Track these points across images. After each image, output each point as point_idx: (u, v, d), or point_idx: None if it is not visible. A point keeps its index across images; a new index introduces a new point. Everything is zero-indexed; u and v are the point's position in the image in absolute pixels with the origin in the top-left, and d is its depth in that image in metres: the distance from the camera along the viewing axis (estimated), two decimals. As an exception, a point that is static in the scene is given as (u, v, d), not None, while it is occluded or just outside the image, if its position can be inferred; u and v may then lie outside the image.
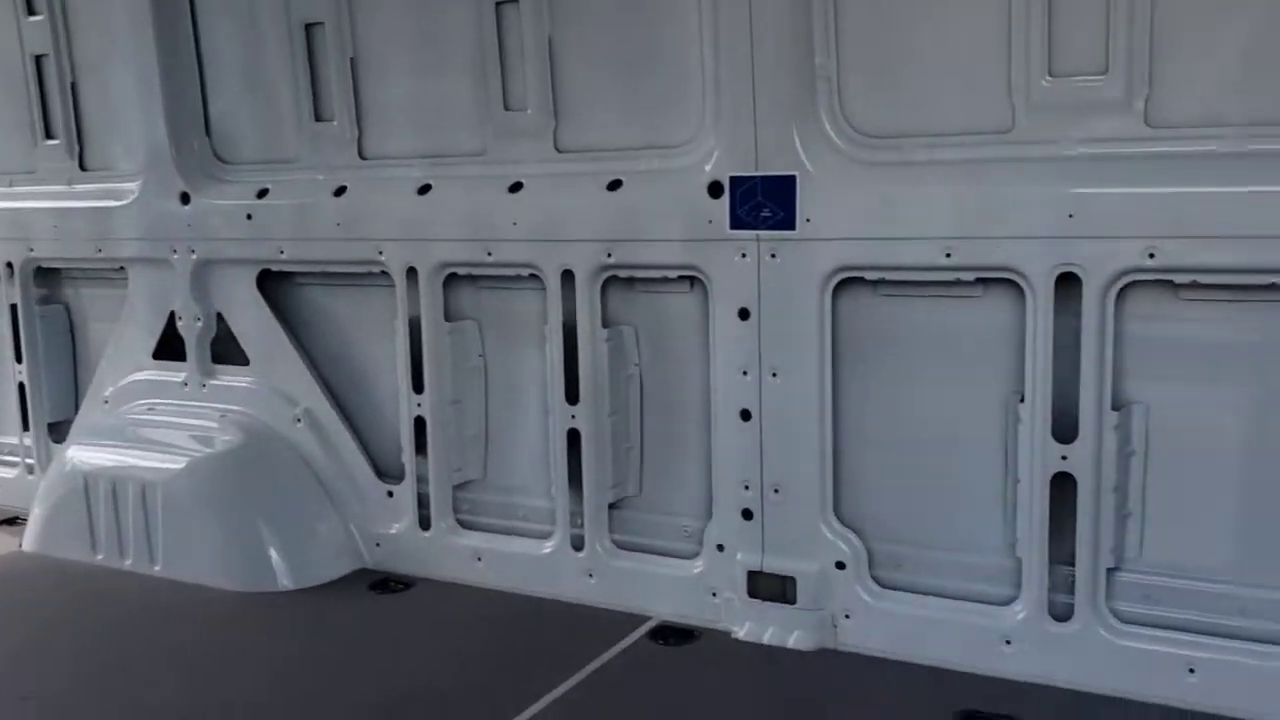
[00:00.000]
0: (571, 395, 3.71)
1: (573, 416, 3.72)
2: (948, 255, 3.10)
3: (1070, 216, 2.94)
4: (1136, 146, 2.90)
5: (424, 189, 3.88)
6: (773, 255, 3.31)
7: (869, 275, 3.24)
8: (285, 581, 3.99)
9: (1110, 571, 3.08)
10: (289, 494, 4.17)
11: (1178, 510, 3.03)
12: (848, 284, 3.28)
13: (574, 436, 3.73)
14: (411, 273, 3.92)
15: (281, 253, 4.15)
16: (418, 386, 3.97)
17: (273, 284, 4.28)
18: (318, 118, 4.09)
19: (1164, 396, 3.01)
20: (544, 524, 3.91)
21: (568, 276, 3.67)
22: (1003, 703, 3.00)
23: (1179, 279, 2.88)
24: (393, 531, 4.11)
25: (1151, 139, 2.89)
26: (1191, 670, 2.95)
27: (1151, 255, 2.86)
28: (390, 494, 4.12)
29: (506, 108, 3.74)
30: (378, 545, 4.14)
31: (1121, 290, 2.94)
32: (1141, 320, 2.98)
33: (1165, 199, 2.85)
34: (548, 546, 3.85)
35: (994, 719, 2.94)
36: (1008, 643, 3.16)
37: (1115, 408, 3.00)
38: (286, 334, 4.24)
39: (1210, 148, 2.81)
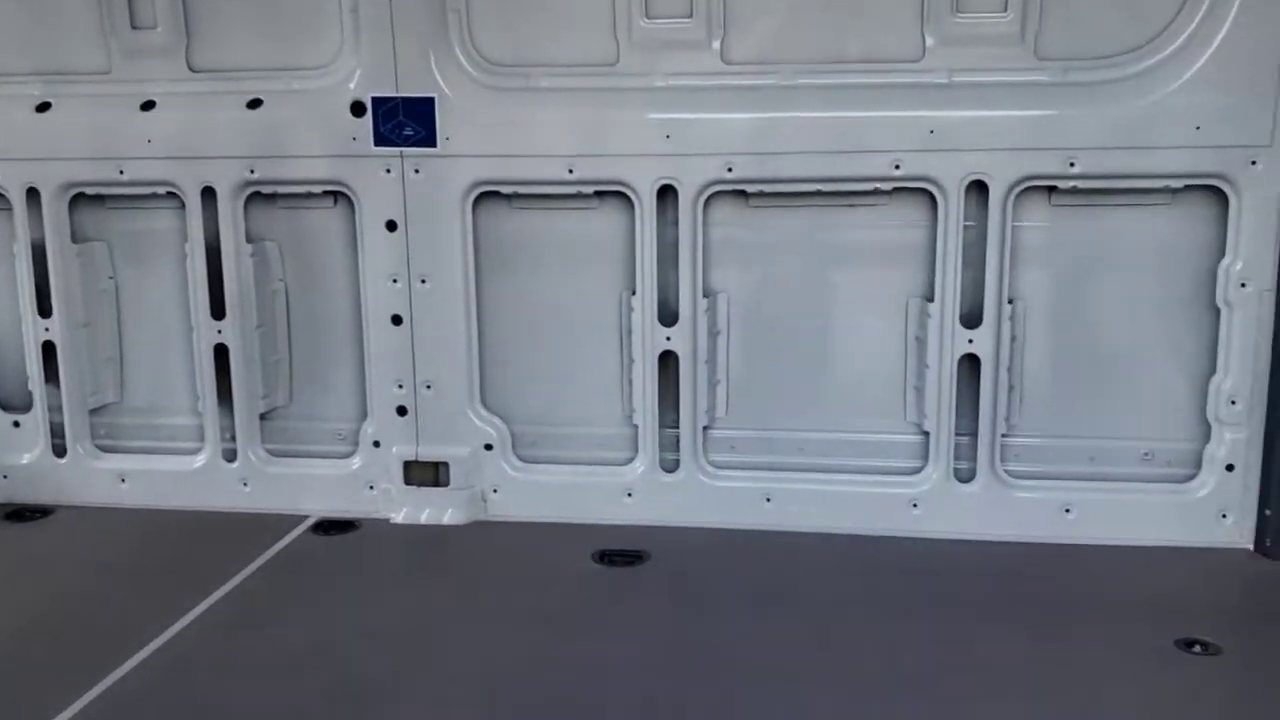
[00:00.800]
0: (217, 311, 3.83)
1: (219, 331, 3.84)
2: (570, 171, 3.61)
3: (667, 138, 3.55)
4: (716, 80, 3.55)
5: (42, 106, 3.78)
6: (416, 171, 3.65)
7: (504, 189, 3.67)
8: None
9: (705, 429, 3.79)
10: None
11: (756, 377, 3.77)
12: (485, 197, 3.69)
13: (221, 352, 3.86)
14: (33, 194, 3.80)
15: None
16: (44, 311, 3.87)
17: None
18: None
19: (741, 285, 3.73)
20: (192, 441, 4.00)
21: (209, 194, 3.76)
22: (630, 542, 3.60)
23: (750, 189, 3.59)
24: (23, 462, 3.99)
25: (726, 73, 3.54)
26: (768, 499, 3.73)
27: (730, 169, 3.55)
28: (16, 424, 3.99)
29: (134, 25, 3.73)
30: (4, 477, 4.00)
31: (708, 199, 3.61)
32: (723, 224, 3.67)
33: (739, 123, 3.54)
34: (198, 461, 3.96)
35: (625, 554, 3.53)
36: (630, 495, 3.79)
37: (705, 295, 3.68)
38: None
39: (771, 81, 3.52)
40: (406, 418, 3.83)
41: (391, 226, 3.69)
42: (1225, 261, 3.39)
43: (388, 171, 3.65)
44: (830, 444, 3.77)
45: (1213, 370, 3.49)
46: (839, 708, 2.62)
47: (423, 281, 3.72)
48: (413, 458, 3.85)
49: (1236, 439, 3.46)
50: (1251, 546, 3.48)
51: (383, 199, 3.68)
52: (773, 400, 3.78)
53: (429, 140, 3.61)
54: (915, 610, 3.12)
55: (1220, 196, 3.37)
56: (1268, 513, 3.42)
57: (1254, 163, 3.28)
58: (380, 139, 3.63)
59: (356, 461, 3.90)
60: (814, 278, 3.71)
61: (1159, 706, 2.62)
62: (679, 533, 3.69)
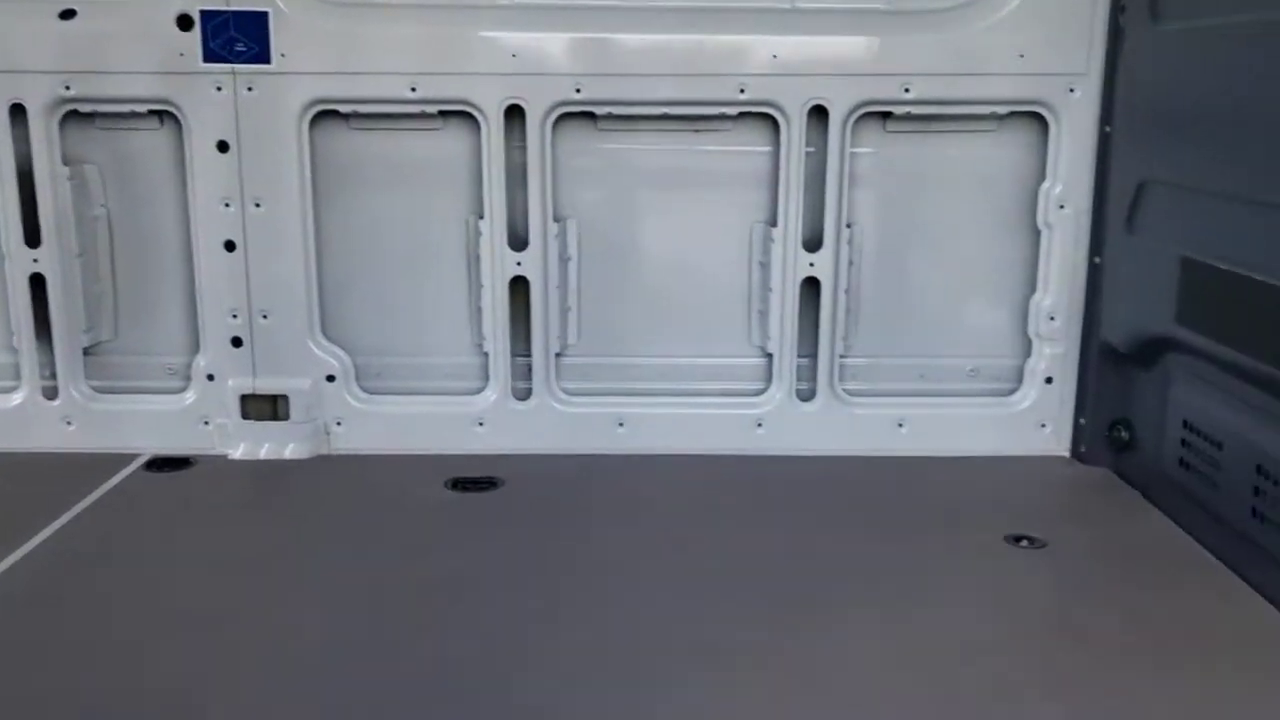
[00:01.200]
0: (31, 238, 3.58)
1: (35, 260, 3.60)
2: (413, 90, 3.52)
3: (514, 56, 3.50)
4: (564, -1, 3.53)
5: None
6: (249, 89, 3.48)
7: (342, 108, 3.55)
8: None
9: (557, 356, 3.79)
10: None
11: (607, 303, 3.79)
12: (323, 117, 3.56)
13: (37, 282, 3.61)
14: None
15: None
16: None
17: None
18: None
19: (591, 210, 3.73)
20: (7, 379, 3.74)
21: (18, 112, 3.50)
22: (484, 470, 3.58)
23: (598, 111, 3.59)
24: None
25: (572, -9, 3.53)
26: (621, 424, 3.77)
27: (578, 90, 3.53)
28: None
29: (-81, -74, 3.42)
30: None
31: (556, 121, 3.59)
32: (572, 147, 3.65)
33: (587, 44, 3.52)
34: (15, 399, 3.71)
35: (478, 481, 3.51)
36: (481, 424, 3.76)
37: (555, 220, 3.66)
38: None
39: (619, 2, 3.50)
40: (242, 349, 3.68)
41: (223, 148, 3.52)
42: (1045, 185, 3.59)
43: (218, 89, 3.47)
44: (680, 368, 3.83)
45: (1033, 289, 3.70)
46: (701, 602, 2.69)
47: (257, 205, 3.57)
48: (250, 391, 3.71)
49: (1055, 354, 3.69)
50: (1068, 453, 3.73)
51: (213, 119, 3.50)
52: (623, 326, 3.81)
53: (263, 56, 3.45)
54: (763, 518, 3.22)
55: (1041, 123, 3.56)
56: (1082, 421, 3.67)
57: (1072, 90, 3.48)
58: (210, 55, 3.45)
59: (189, 396, 3.73)
60: (662, 203, 3.74)
61: (995, 591, 2.79)
62: (533, 459, 3.68)
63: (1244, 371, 2.77)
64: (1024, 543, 3.05)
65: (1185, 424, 3.12)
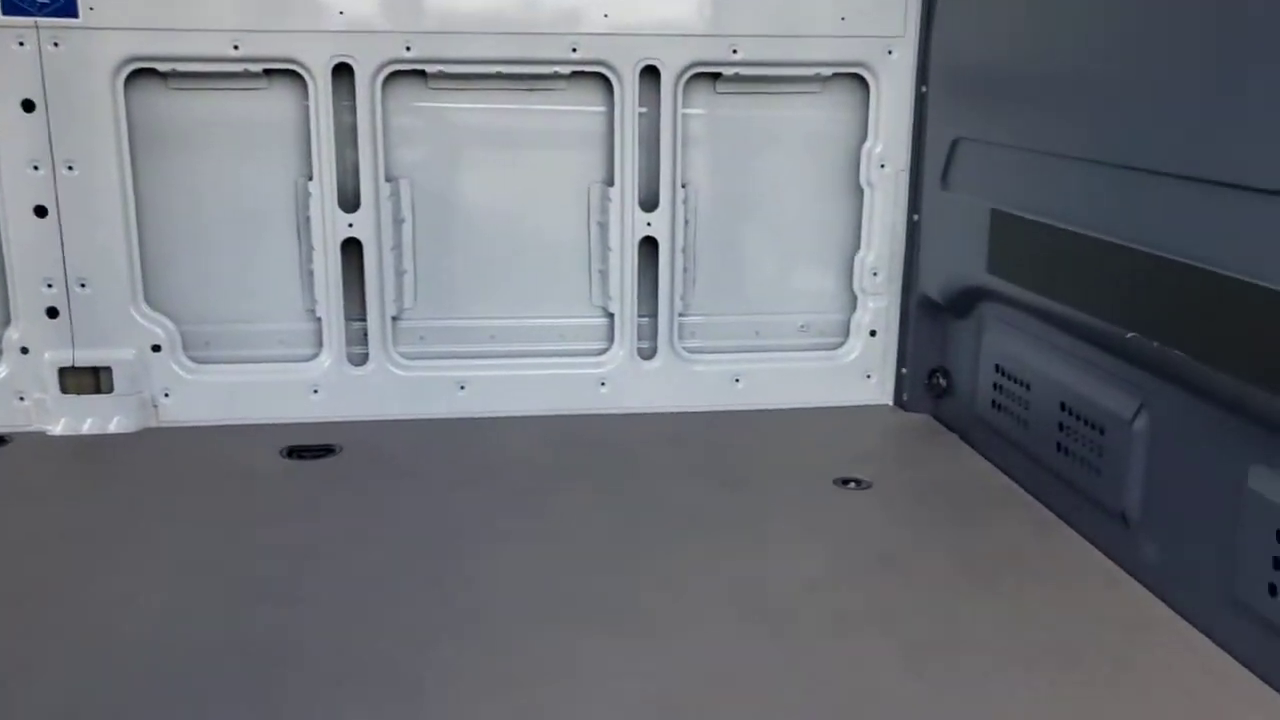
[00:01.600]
0: None
1: None
2: (235, 48, 3.40)
3: (341, 13, 3.42)
4: (389, -45, 3.46)
5: None
6: (55, 44, 3.30)
7: (160, 67, 3.41)
8: None
9: (394, 320, 3.74)
10: None
11: (444, 265, 3.76)
12: (140, 75, 3.41)
13: None
14: None
15: None
16: None
17: None
18: None
19: (425, 171, 3.69)
20: None
21: None
22: (320, 437, 3.52)
23: (429, 69, 3.54)
24: None
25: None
26: (462, 387, 3.76)
27: (408, 48, 3.48)
28: None
29: None
30: None
31: (386, 79, 3.53)
32: (404, 107, 3.60)
33: (418, 0, 3.47)
34: None
35: (314, 449, 3.45)
36: (316, 392, 3.69)
37: (388, 180, 3.61)
38: None
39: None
40: (59, 320, 3.50)
41: (28, 107, 3.33)
42: (867, 145, 3.75)
43: (20, 44, 3.28)
44: (521, 330, 3.84)
45: (857, 246, 3.86)
46: (541, 559, 2.72)
47: (70, 168, 3.39)
48: (69, 363, 3.54)
49: (878, 308, 3.86)
50: (891, 402, 3.92)
51: (16, 76, 3.30)
52: (462, 289, 3.79)
53: (69, 9, 3.27)
54: (605, 475, 3.28)
55: (863, 84, 3.71)
56: (903, 371, 3.86)
57: (890, 52, 3.63)
58: (10, 7, 3.25)
59: (1, 371, 3.53)
60: (498, 163, 3.73)
61: (824, 530, 2.93)
62: (371, 425, 3.64)
63: (1047, 315, 2.97)
64: (851, 485, 3.20)
65: (997, 368, 3.33)
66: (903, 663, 2.27)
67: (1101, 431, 2.76)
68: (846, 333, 3.93)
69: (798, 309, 3.95)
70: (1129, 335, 2.54)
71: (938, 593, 2.58)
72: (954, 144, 3.45)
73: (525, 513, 3.00)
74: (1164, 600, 2.51)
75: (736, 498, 3.13)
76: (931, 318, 3.73)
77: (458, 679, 2.19)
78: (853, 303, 3.92)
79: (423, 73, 3.55)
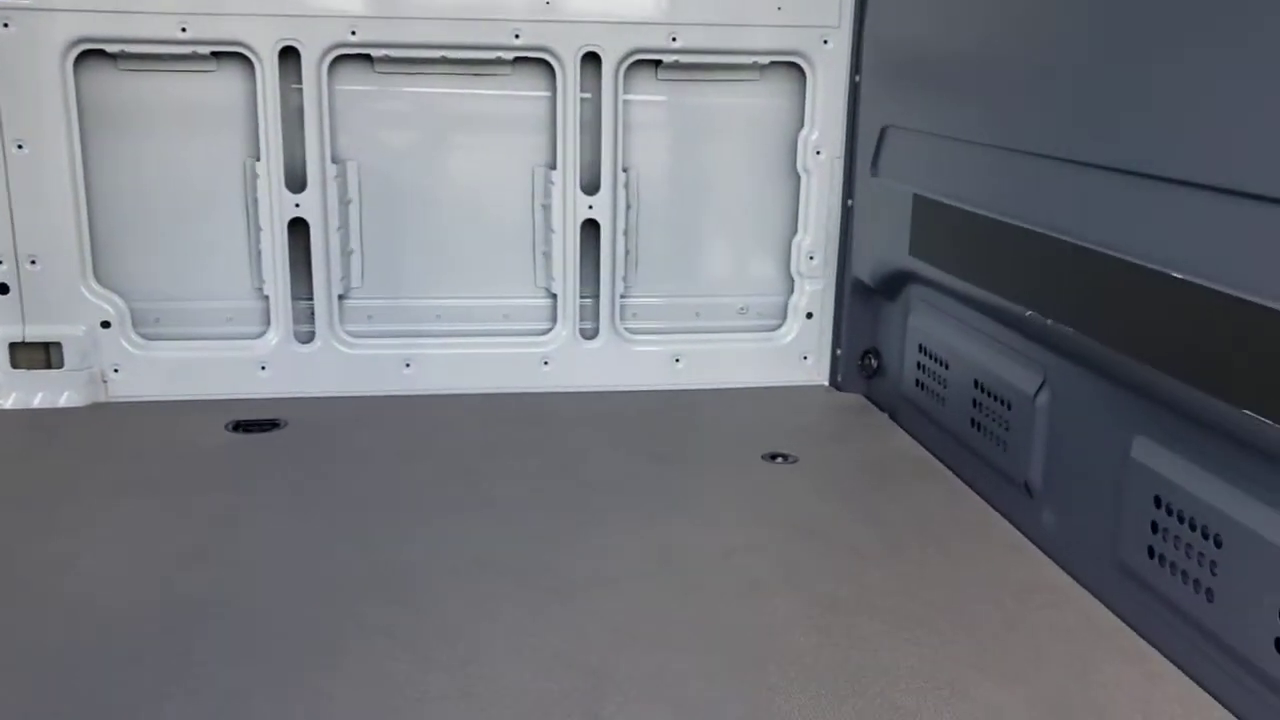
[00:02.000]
0: None
1: None
2: (183, 30, 3.48)
3: (284, -4, 3.51)
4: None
5: None
6: (5, 24, 3.37)
7: (109, 48, 3.48)
8: None
9: (340, 299, 3.83)
10: None
11: (391, 246, 3.86)
12: (90, 56, 3.48)
13: None
14: None
15: None
16: None
17: None
18: None
19: (372, 153, 3.78)
20: None
21: None
22: (266, 412, 3.61)
23: (375, 54, 3.63)
24: None
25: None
26: (407, 365, 3.85)
27: (353, 33, 3.56)
28: None
29: None
30: None
31: (332, 63, 3.61)
32: (350, 90, 3.68)
33: (354, -13, 3.56)
34: None
35: (260, 424, 3.54)
36: (263, 369, 3.78)
37: (335, 162, 3.70)
38: None
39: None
40: (9, 296, 3.58)
41: (-23, 85, 3.41)
42: (804, 132, 3.86)
43: (-31, 24, 3.35)
44: (466, 310, 3.94)
45: (795, 230, 3.97)
46: (475, 528, 2.82)
47: (19, 147, 3.47)
48: (19, 339, 3.62)
49: (814, 290, 3.98)
50: (827, 382, 4.04)
51: (-35, 55, 3.38)
52: (408, 269, 3.88)
53: (18, -10, 3.34)
54: (545, 451, 3.37)
55: (800, 73, 3.82)
56: (838, 352, 3.98)
57: (826, 42, 3.74)
58: (-41, -13, 3.32)
59: (-48, 345, 3.61)
60: (444, 146, 3.83)
61: (749, 501, 3.04)
62: (317, 402, 3.74)
63: (964, 296, 3.09)
64: (779, 459, 3.31)
65: (920, 348, 3.45)
66: (805, 621, 2.39)
67: (1009, 406, 2.88)
68: (784, 315, 4.05)
69: (738, 292, 4.07)
70: (1027, 314, 2.66)
71: (846, 557, 2.70)
72: (883, 132, 3.57)
73: (462, 485, 3.10)
74: (1060, 565, 2.63)
75: (667, 471, 3.24)
76: (864, 300, 3.85)
77: (374, 634, 2.29)
78: (790, 286, 4.03)
79: (369, 57, 3.64)
